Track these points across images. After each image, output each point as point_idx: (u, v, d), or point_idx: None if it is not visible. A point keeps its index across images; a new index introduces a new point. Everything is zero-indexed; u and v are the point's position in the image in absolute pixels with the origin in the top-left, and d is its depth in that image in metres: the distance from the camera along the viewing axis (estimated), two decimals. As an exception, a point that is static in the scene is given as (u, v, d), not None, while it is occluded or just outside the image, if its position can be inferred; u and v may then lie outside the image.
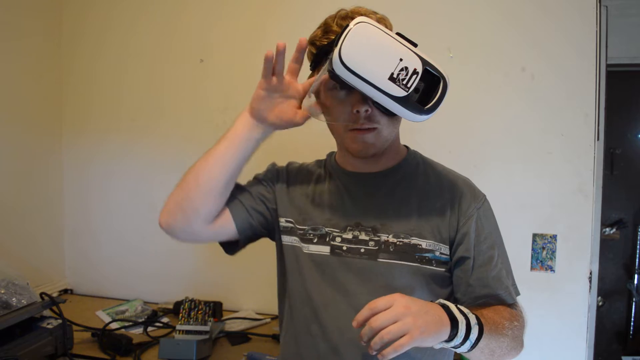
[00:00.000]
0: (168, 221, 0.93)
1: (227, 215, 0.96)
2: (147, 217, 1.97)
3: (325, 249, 0.93)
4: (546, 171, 1.63)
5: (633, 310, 2.74)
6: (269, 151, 1.77)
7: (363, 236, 0.91)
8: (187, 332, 1.44)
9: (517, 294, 0.94)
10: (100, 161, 2.02)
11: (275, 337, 1.58)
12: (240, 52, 1.87)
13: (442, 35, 1.68)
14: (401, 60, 0.75)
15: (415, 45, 0.80)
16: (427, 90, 0.76)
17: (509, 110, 1.66)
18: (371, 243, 0.90)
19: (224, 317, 1.76)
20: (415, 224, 0.90)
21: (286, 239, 0.98)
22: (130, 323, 1.68)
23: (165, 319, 1.74)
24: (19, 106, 1.86)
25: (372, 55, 0.75)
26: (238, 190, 1.00)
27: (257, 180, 1.05)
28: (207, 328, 1.45)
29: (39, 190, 1.95)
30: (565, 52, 1.60)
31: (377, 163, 0.94)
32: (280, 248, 1.00)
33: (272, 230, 1.02)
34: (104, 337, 1.51)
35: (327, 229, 0.94)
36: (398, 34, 0.80)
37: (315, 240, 0.94)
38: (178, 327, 1.46)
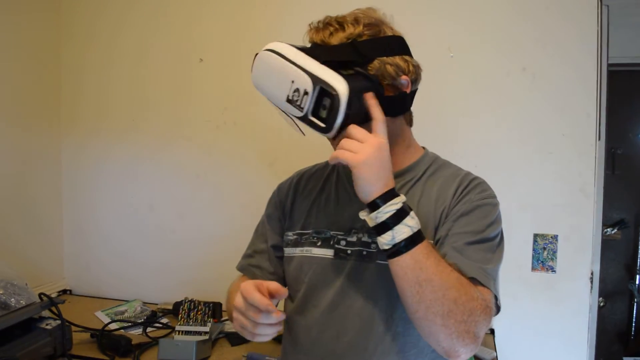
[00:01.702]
0: None
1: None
2: (147, 218, 1.98)
3: (329, 252, 0.92)
4: (547, 171, 1.63)
5: (634, 311, 2.73)
6: (271, 153, 1.76)
7: (366, 238, 0.90)
8: (187, 332, 1.43)
9: (495, 291, 0.83)
10: (99, 162, 2.02)
11: (275, 338, 1.57)
12: (240, 51, 1.86)
13: (443, 35, 1.67)
14: (293, 82, 0.78)
15: (356, 59, 0.81)
16: (332, 106, 0.76)
17: (509, 110, 1.66)
18: (373, 245, 0.89)
19: (224, 318, 1.75)
20: None
21: (290, 251, 0.98)
22: (130, 324, 1.67)
23: (164, 320, 1.74)
24: (17, 107, 1.85)
25: (270, 79, 0.82)
26: (258, 260, 1.03)
27: (265, 226, 1.05)
28: (206, 329, 1.45)
29: (37, 191, 1.95)
30: (566, 52, 1.60)
31: None
32: (284, 262, 1.00)
33: None
34: (103, 337, 1.51)
35: (332, 232, 0.93)
36: (310, 49, 0.82)
37: (319, 244, 0.93)
38: (177, 327, 1.46)
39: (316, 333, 0.91)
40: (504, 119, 1.66)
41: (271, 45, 0.82)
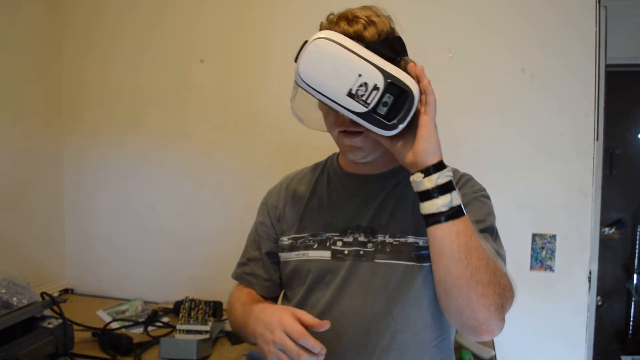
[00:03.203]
0: None
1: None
2: (148, 217, 1.98)
3: (326, 254, 0.92)
4: (546, 171, 1.64)
5: (632, 310, 2.75)
6: (271, 153, 1.77)
7: (362, 238, 0.91)
8: (188, 331, 1.44)
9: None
10: (101, 161, 2.02)
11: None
12: (241, 52, 1.87)
13: (442, 36, 1.68)
14: (360, 76, 0.74)
15: (394, 56, 0.78)
16: (397, 102, 0.74)
17: (508, 111, 1.66)
18: (369, 245, 0.90)
19: (224, 317, 1.76)
20: (411, 223, 0.90)
21: (286, 256, 0.98)
22: (131, 323, 1.68)
23: (165, 319, 1.74)
24: (20, 106, 1.86)
25: (329, 72, 0.75)
26: (253, 268, 1.04)
27: (257, 233, 1.05)
28: (207, 327, 1.46)
29: (39, 190, 1.96)
30: (564, 53, 1.61)
31: (377, 165, 0.94)
32: (280, 267, 1.01)
33: None
34: (104, 336, 1.51)
35: (327, 234, 0.93)
36: (372, 44, 0.78)
37: (315, 246, 0.94)
38: (178, 326, 1.46)
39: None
40: (502, 119, 1.67)
41: (328, 34, 0.76)
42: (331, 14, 0.87)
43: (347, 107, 0.76)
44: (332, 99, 0.76)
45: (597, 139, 1.65)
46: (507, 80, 1.65)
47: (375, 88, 0.73)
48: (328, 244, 0.93)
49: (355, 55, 0.74)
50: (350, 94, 0.74)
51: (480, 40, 1.67)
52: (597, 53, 1.59)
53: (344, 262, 0.91)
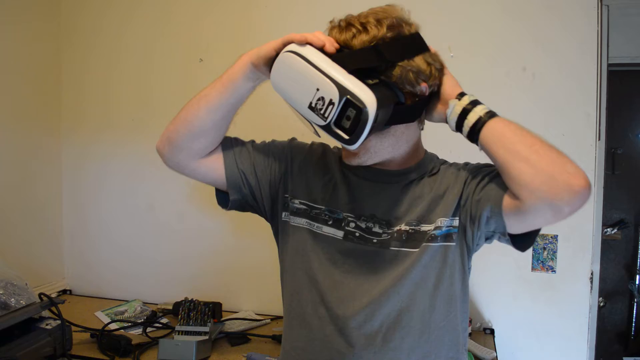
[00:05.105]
0: (159, 147, 0.99)
1: (220, 162, 0.97)
2: (146, 217, 1.98)
3: (338, 233, 0.93)
4: (547, 171, 1.63)
5: (635, 311, 2.73)
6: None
7: (377, 229, 0.91)
8: (187, 332, 1.44)
9: None
10: (99, 161, 2.02)
11: (275, 338, 1.58)
12: (240, 51, 1.86)
13: (443, 34, 1.67)
14: (318, 90, 0.76)
15: (379, 65, 0.80)
16: (354, 117, 0.75)
17: (509, 110, 1.62)
18: (384, 235, 0.91)
19: (224, 318, 1.75)
20: (425, 212, 0.91)
21: (297, 221, 0.97)
22: (130, 324, 1.67)
23: (164, 320, 1.73)
24: (18, 107, 1.85)
25: (293, 84, 0.79)
26: (244, 151, 0.99)
27: (269, 151, 1.01)
28: (206, 329, 1.45)
29: (38, 191, 1.95)
30: (566, 52, 1.60)
31: (394, 163, 0.94)
32: (285, 228, 0.99)
33: (261, 207, 1.01)
34: (103, 338, 1.51)
35: (344, 214, 0.94)
36: (335, 55, 0.79)
37: (330, 222, 0.94)
38: (177, 327, 1.46)
39: (324, 310, 0.91)
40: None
41: (295, 47, 0.79)
42: (332, 20, 0.87)
43: (309, 118, 0.79)
44: (297, 109, 0.80)
45: (599, 139, 1.64)
46: (508, 79, 1.64)
47: (331, 103, 0.75)
48: (343, 224, 0.93)
49: (315, 70, 0.76)
50: (310, 107, 0.77)
51: (482, 40, 1.66)
52: (598, 52, 1.59)
53: (356, 245, 0.92)
